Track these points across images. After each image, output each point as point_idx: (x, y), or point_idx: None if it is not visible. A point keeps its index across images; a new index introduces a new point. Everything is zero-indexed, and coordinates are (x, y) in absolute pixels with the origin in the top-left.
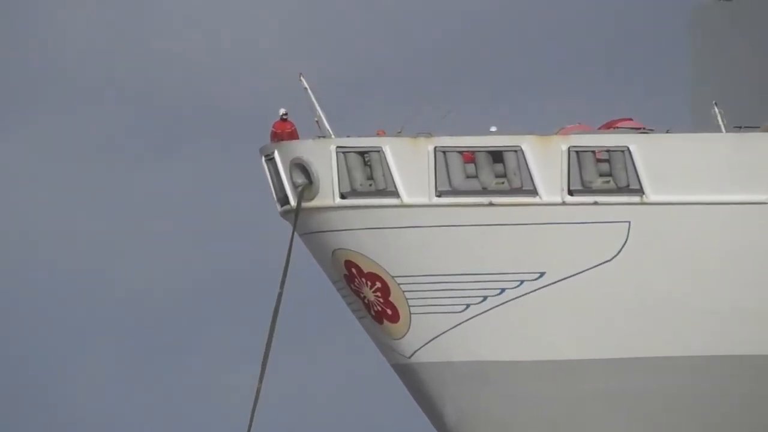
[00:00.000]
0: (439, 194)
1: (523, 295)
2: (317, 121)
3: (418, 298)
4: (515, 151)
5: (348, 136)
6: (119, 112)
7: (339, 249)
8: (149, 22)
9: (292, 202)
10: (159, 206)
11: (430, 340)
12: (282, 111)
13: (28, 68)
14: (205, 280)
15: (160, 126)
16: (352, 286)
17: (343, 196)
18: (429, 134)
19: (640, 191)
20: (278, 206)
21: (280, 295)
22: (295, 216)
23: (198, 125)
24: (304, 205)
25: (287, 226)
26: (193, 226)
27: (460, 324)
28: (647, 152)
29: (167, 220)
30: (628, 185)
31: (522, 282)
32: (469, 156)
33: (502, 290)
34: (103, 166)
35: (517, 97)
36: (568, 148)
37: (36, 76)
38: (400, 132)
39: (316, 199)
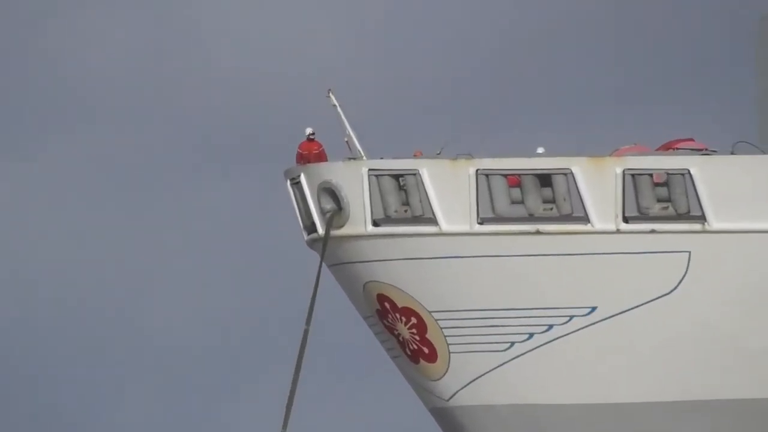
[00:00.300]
0: (482, 221)
1: (572, 332)
2: (347, 142)
3: (458, 336)
4: (565, 174)
5: (381, 158)
6: (137, 132)
7: (371, 281)
8: (172, 39)
9: (320, 229)
10: (177, 234)
11: (471, 382)
12: (308, 130)
13: (50, 86)
14: (225, 316)
15: (179, 147)
16: (386, 322)
17: (375, 224)
18: (470, 156)
19: (701, 218)
20: (305, 234)
21: (306, 332)
22: (323, 245)
23: (215, 145)
24: (333, 233)
25: (314, 256)
26: (211, 253)
27: (503, 364)
28: (709, 175)
29: (184, 247)
30: (689, 212)
31: (571, 318)
32: (514, 179)
33: (550, 327)
34: (125, 190)
35: (567, 116)
36: (623, 171)
37: (55, 94)
38: (439, 153)
39: (346, 226)
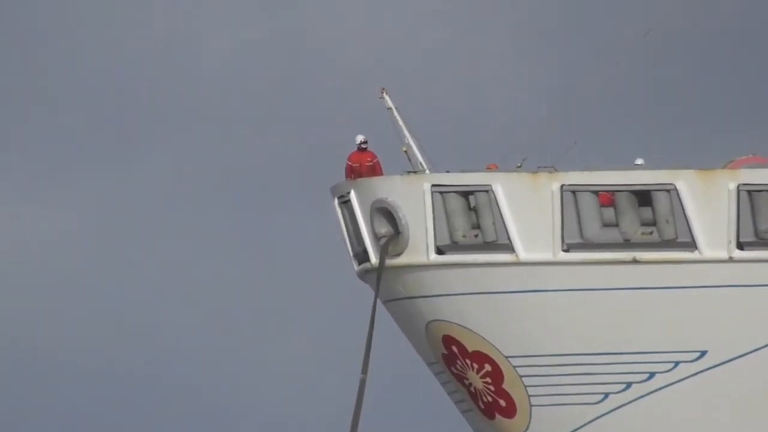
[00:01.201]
0: (567, 248)
1: (678, 381)
2: (406, 152)
3: (541, 386)
4: (668, 190)
5: (447, 172)
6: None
7: (435, 321)
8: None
9: (374, 259)
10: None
11: None
12: (360, 138)
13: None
14: (268, 361)
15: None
16: (454, 369)
17: (440, 251)
18: (553, 168)
19: None
20: (355, 264)
21: (362, 381)
22: (377, 277)
23: (249, 155)
24: (389, 262)
25: (368, 291)
26: (246, 287)
27: (596, 419)
28: None
29: (218, 273)
30: None
31: (677, 364)
32: (606, 197)
33: (651, 375)
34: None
35: (672, 121)
36: (738, 186)
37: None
38: (519, 166)
39: (404, 254)
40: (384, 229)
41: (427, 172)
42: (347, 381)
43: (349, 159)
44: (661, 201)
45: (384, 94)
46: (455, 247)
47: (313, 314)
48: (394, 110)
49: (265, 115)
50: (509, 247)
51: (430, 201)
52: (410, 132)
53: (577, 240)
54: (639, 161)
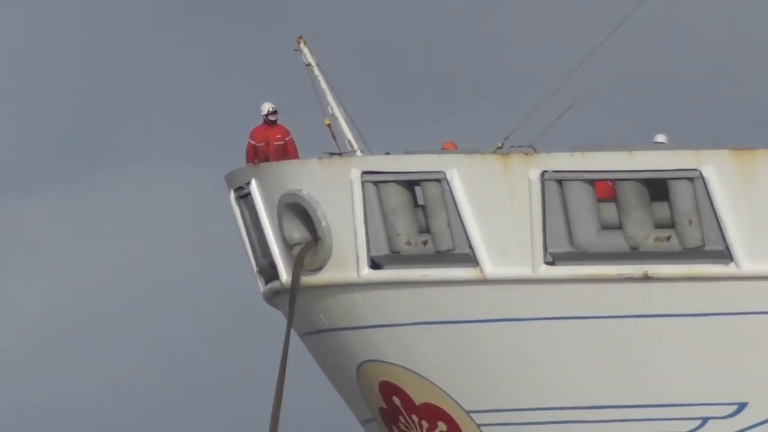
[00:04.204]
0: (552, 260)
1: None
2: (329, 125)
3: None
4: (690, 178)
5: (387, 153)
6: None
7: (370, 362)
8: None
9: (284, 275)
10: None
11: None
12: (267, 107)
13: None
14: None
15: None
16: (396, 429)
17: (375, 265)
18: (531, 149)
19: None
20: (260, 283)
21: None
22: (290, 301)
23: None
24: (306, 281)
25: (278, 318)
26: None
27: None
28: None
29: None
30: None
31: (705, 421)
32: (605, 188)
33: None
34: None
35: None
36: None
37: None
38: (500, 147)
39: (326, 269)
40: (297, 233)
41: (358, 153)
42: None
43: (252, 136)
44: (681, 192)
45: (301, 45)
46: (396, 258)
47: (205, 349)
48: (315, 67)
49: None
50: (471, 259)
51: (361, 194)
52: (336, 98)
53: (566, 248)
54: (660, 137)
